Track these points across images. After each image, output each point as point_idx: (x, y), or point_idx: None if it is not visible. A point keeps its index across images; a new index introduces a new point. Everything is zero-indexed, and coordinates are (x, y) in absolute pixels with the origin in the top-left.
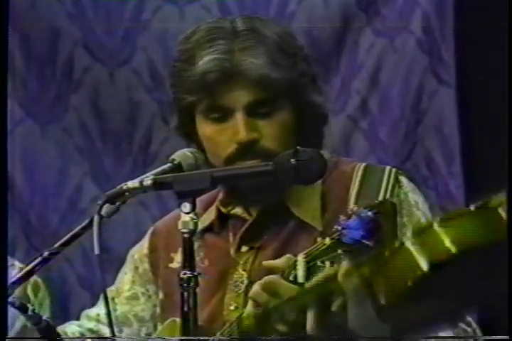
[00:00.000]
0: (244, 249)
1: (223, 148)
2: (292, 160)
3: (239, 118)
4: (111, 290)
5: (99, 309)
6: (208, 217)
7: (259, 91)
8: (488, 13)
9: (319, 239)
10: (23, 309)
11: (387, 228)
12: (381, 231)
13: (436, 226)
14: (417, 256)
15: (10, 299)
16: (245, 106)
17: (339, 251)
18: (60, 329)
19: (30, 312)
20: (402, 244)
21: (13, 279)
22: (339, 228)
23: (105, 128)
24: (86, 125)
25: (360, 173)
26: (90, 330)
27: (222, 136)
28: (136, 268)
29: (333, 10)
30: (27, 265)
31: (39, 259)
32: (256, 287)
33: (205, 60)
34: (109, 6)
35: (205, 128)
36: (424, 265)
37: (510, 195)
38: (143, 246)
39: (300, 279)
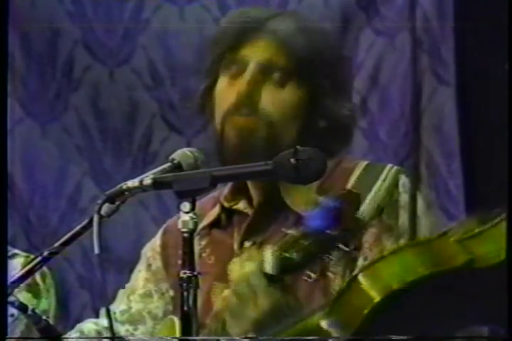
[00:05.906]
0: (247, 244)
1: (227, 102)
2: (292, 159)
3: (249, 70)
4: (126, 289)
5: (115, 307)
6: (214, 212)
7: (277, 49)
8: (488, 13)
9: (289, 232)
10: (23, 309)
11: (349, 218)
12: (344, 221)
13: (378, 262)
14: (368, 289)
15: (10, 299)
16: (259, 62)
17: (306, 243)
18: (78, 326)
19: (30, 312)
20: (355, 277)
21: (13, 279)
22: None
23: (105, 127)
24: (86, 124)
25: (359, 170)
26: (106, 328)
27: (231, 91)
28: (149, 266)
29: (333, 9)
30: (27, 264)
31: (39, 258)
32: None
33: (232, 14)
34: (109, 5)
35: (221, 85)
36: (376, 296)
37: (511, 198)
38: (155, 244)
39: (270, 271)
